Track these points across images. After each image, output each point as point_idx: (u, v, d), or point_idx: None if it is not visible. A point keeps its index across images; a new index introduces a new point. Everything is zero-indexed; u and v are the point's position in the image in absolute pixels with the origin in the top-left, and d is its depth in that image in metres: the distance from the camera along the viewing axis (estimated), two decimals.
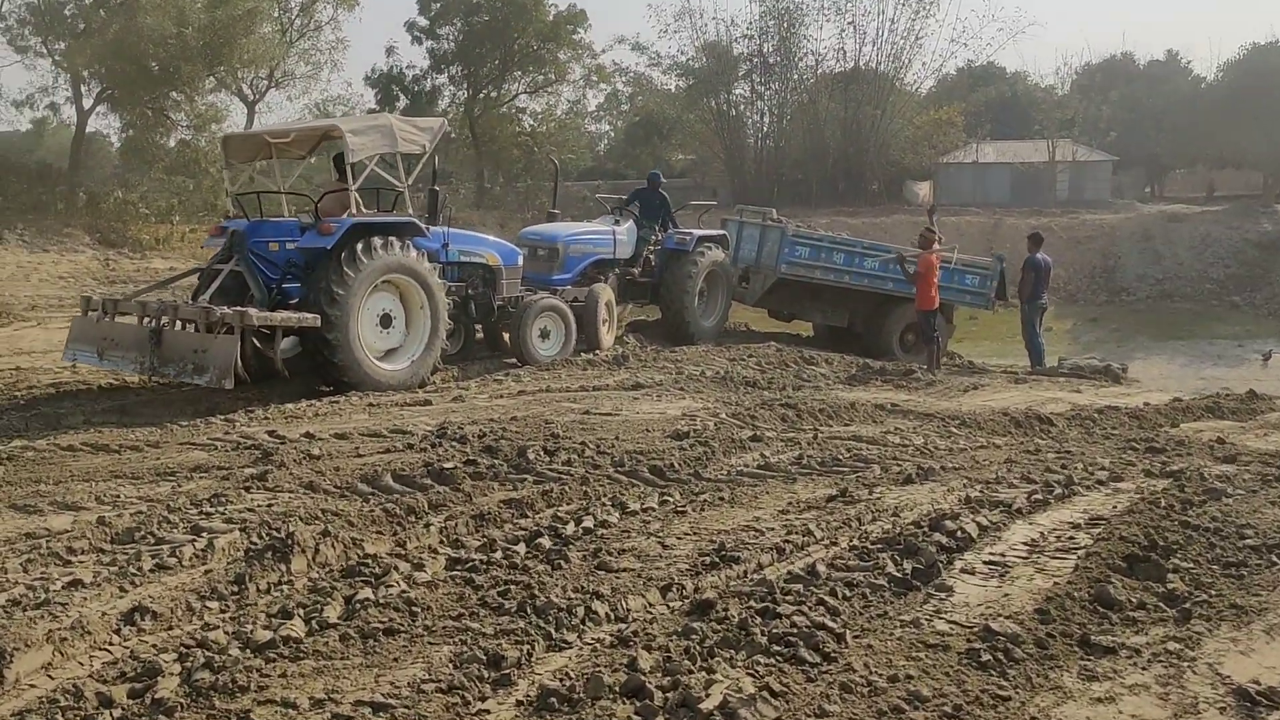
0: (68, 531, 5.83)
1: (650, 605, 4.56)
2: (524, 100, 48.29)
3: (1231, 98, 53.66)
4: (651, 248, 16.51)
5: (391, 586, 4.75)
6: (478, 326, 14.13)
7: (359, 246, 10.75)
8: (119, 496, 6.70)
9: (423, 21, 45.97)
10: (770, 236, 17.85)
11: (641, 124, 56.14)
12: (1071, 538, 5.28)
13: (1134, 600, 4.39)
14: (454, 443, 8.02)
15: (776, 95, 50.23)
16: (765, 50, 49.46)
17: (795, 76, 50.02)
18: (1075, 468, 7.34)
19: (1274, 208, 42.09)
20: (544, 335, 13.67)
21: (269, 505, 6.35)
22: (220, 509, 6.28)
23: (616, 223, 16.19)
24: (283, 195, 13.02)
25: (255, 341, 10.85)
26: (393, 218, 11.73)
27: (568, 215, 28.75)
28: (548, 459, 7.51)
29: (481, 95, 46.80)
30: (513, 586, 4.75)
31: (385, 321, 11.33)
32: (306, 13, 39.32)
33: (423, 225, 11.78)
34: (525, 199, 41.71)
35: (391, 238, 11.09)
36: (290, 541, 5.23)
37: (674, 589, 4.72)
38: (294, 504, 6.36)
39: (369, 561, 5.14)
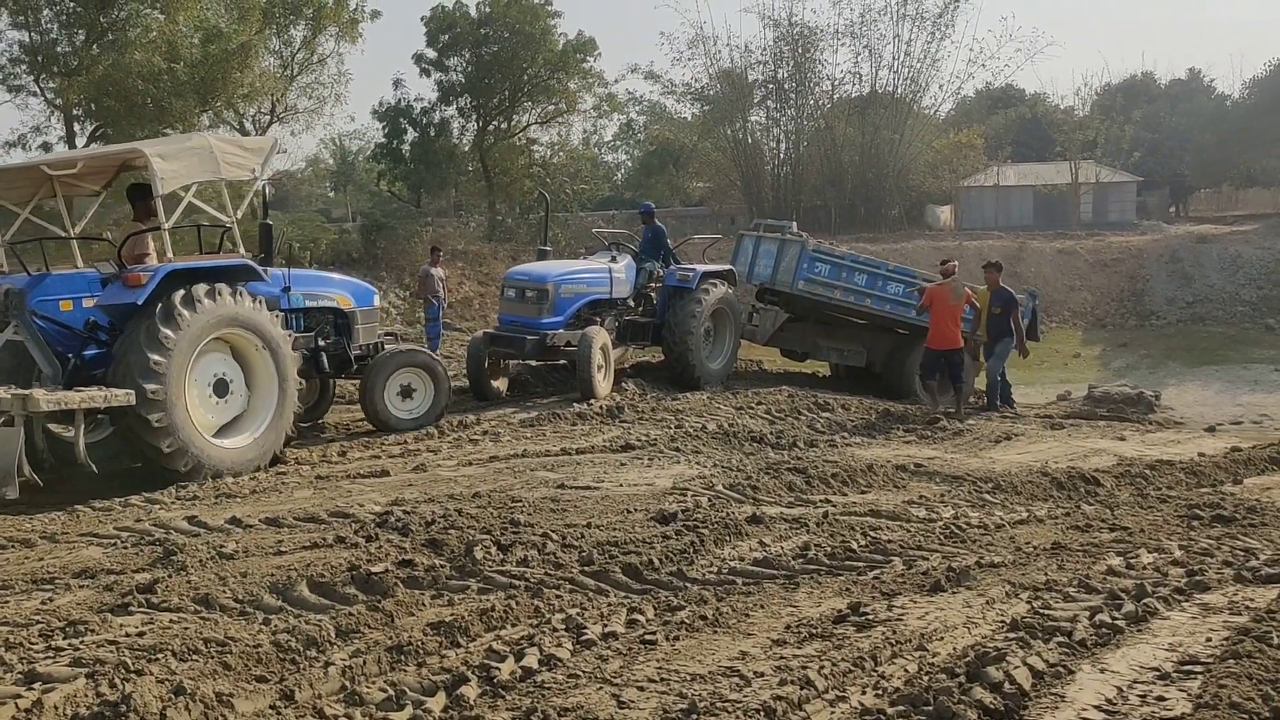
0: None
1: None
2: (535, 131, 47.31)
3: (1257, 115, 52.22)
4: (653, 285, 15.26)
5: None
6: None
7: (178, 298, 8.76)
8: None
9: (431, 54, 45.08)
10: (789, 251, 16.30)
11: (657, 153, 55.05)
12: (1160, 697, 3.94)
13: None
14: (394, 533, 6.77)
15: (793, 121, 49.05)
16: (780, 76, 48.33)
17: (811, 102, 48.86)
18: (1140, 563, 6.00)
19: None
20: (406, 393, 11.59)
21: (140, 635, 5.11)
22: (77, 640, 5.05)
23: (613, 259, 14.94)
24: (73, 241, 10.79)
25: (50, 426, 8.59)
26: (220, 261, 9.70)
27: (580, 249, 27.64)
28: (500, 557, 6.25)
29: (492, 127, 45.82)
30: None
31: (220, 389, 9.36)
32: (308, 46, 38.42)
33: (258, 267, 9.77)
34: (538, 231, 40.57)
35: (220, 284, 9.16)
36: (125, 709, 3.99)
37: None
38: (172, 632, 5.12)
39: None
